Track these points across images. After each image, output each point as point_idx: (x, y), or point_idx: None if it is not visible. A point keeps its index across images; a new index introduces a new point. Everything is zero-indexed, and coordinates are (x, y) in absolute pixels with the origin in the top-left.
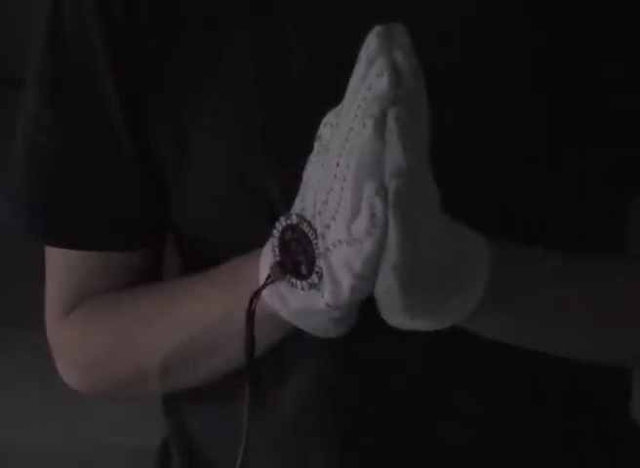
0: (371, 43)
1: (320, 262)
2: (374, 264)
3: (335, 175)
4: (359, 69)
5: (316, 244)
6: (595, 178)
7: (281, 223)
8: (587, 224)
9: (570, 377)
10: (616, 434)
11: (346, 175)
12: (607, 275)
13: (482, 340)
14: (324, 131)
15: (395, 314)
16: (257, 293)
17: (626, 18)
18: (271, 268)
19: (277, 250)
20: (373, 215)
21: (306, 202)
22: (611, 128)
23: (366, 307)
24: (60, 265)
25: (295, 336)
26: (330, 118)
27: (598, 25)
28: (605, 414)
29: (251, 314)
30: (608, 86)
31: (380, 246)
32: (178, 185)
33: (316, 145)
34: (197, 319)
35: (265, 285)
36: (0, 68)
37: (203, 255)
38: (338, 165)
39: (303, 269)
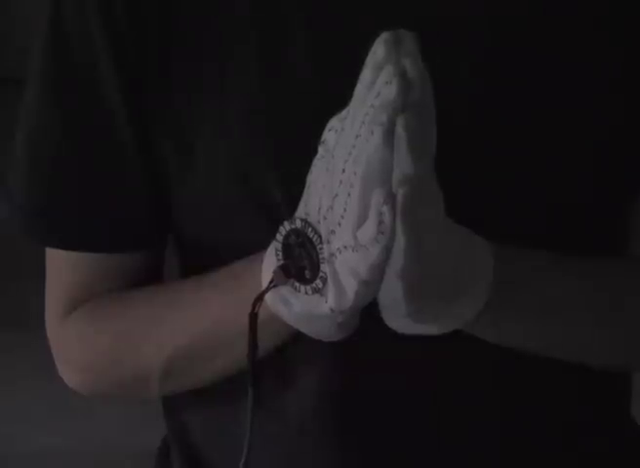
0: (378, 49)
1: (324, 267)
2: (379, 270)
3: (340, 181)
4: (366, 75)
5: (321, 249)
6: (602, 180)
7: (285, 227)
8: (593, 225)
9: (570, 378)
10: (616, 434)
11: (353, 181)
12: (610, 277)
13: (484, 344)
14: (328, 135)
15: (399, 319)
16: (260, 297)
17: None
18: (274, 272)
19: (280, 253)
20: (380, 222)
21: (310, 207)
22: (617, 127)
23: (368, 311)
24: (61, 266)
25: (297, 340)
26: (334, 123)
27: (608, 23)
28: (605, 415)
29: (254, 318)
30: (618, 84)
31: (387, 252)
32: (180, 186)
33: (320, 149)
34: (199, 321)
35: (268, 288)
36: (0, 68)
37: (204, 256)
38: (344, 171)
39: (307, 274)
